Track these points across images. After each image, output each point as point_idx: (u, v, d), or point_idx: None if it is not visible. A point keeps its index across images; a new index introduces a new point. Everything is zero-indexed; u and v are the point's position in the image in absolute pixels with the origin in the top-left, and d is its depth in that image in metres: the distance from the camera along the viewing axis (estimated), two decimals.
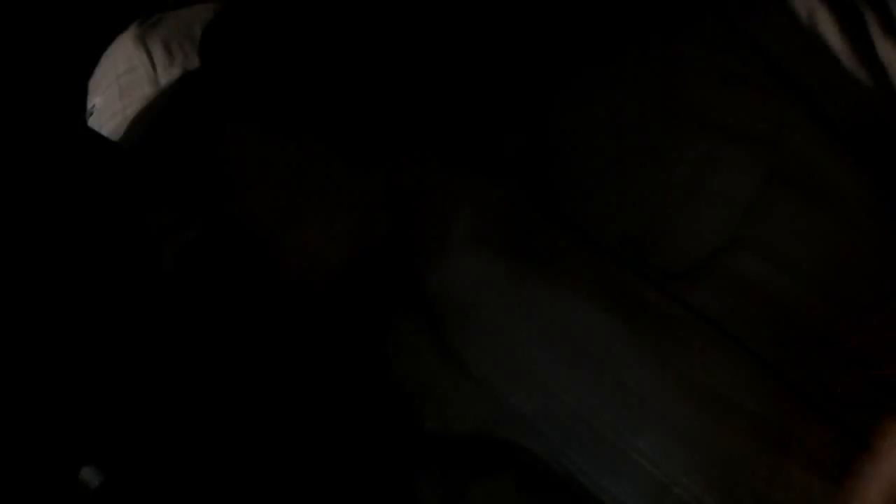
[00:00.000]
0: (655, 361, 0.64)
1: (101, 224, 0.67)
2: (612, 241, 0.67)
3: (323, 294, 0.70)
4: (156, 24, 0.70)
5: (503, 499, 0.69)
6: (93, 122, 0.70)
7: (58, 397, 0.65)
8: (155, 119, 0.67)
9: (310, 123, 0.68)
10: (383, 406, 0.73)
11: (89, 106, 0.71)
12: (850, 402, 0.63)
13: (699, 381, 0.63)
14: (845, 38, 0.67)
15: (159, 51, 0.69)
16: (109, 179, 0.67)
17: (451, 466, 0.71)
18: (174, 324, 0.72)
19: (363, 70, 0.72)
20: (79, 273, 0.69)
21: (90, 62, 0.73)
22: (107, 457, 0.66)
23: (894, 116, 0.68)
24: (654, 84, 0.70)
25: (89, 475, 0.63)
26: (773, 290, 0.64)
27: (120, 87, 0.69)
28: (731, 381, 0.63)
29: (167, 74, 0.68)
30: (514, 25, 0.79)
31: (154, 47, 0.69)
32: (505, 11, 0.79)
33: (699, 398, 0.63)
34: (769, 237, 0.65)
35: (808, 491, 0.61)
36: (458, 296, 0.69)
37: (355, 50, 0.71)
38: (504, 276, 0.68)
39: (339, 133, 0.69)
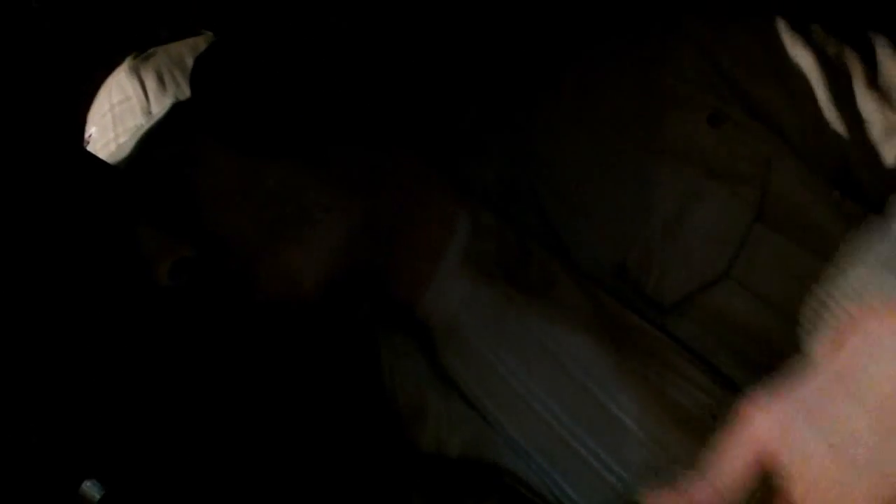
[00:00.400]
0: (638, 391, 0.65)
1: (97, 240, 0.69)
2: (604, 269, 0.69)
3: (299, 314, 0.71)
4: (150, 56, 0.73)
5: None
6: (90, 151, 0.72)
7: (58, 411, 0.67)
8: (143, 144, 0.69)
9: (291, 150, 0.70)
10: (379, 426, 0.74)
11: (86, 135, 0.74)
12: None
13: (680, 411, 0.65)
14: (828, 88, 0.69)
15: (152, 81, 0.72)
16: (104, 197, 0.69)
17: (443, 486, 0.72)
18: (169, 338, 0.74)
19: (346, 95, 0.74)
20: (77, 287, 0.71)
21: (92, 94, 0.76)
22: (107, 470, 0.66)
23: (864, 168, 0.69)
24: (643, 115, 0.71)
25: (90, 489, 0.64)
26: (758, 327, 0.66)
27: (114, 116, 0.72)
28: (711, 409, 0.65)
29: (159, 104, 0.71)
30: (495, 47, 0.81)
31: (147, 77, 0.72)
32: (485, 39, 0.82)
33: (683, 426, 0.64)
34: (757, 276, 0.66)
35: None
36: (449, 317, 0.70)
37: (338, 72, 0.74)
38: (495, 300, 0.69)
39: (321, 159, 0.71)
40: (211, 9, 0.76)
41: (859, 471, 0.42)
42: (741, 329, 0.66)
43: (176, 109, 0.71)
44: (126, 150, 0.70)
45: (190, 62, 0.71)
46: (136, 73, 0.72)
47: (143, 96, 0.71)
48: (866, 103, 0.68)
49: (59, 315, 0.70)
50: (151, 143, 0.70)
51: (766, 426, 0.46)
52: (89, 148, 0.72)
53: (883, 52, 0.69)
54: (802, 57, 0.69)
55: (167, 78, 0.72)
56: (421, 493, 0.73)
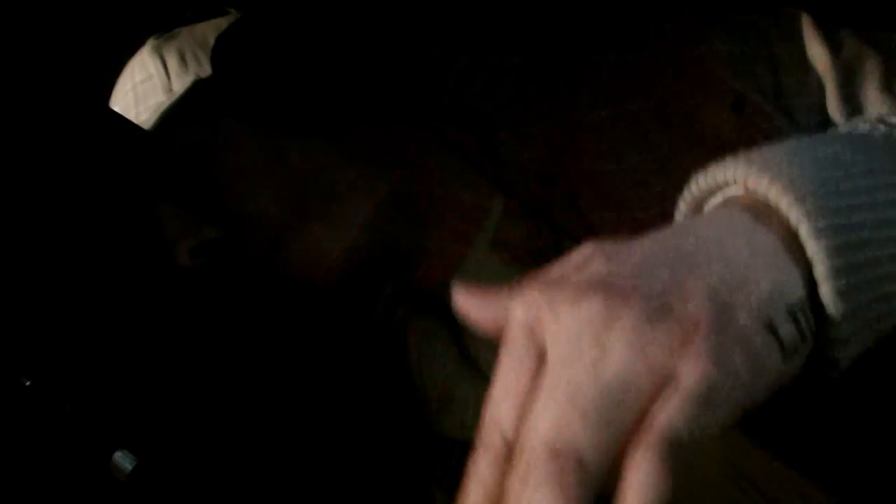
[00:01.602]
0: None
1: (122, 215, 0.70)
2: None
3: (325, 293, 0.72)
4: (173, 36, 0.74)
5: None
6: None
7: (88, 384, 0.68)
8: (164, 121, 0.70)
9: (314, 128, 0.70)
10: (404, 411, 0.74)
11: None
12: None
13: None
14: (838, 86, 0.69)
15: (174, 60, 0.73)
16: (130, 167, 0.70)
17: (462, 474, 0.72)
18: (195, 314, 0.74)
19: (372, 74, 0.74)
20: (104, 261, 0.72)
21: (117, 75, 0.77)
22: (139, 441, 0.67)
23: None
24: (678, 104, 0.71)
25: (122, 460, 0.65)
26: None
27: (136, 94, 0.73)
28: None
29: (180, 82, 0.72)
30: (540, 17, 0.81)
31: (169, 56, 0.73)
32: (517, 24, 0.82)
33: None
34: None
35: None
36: None
37: (364, 53, 0.74)
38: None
39: (346, 136, 0.71)
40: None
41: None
42: None
43: (197, 87, 0.71)
44: (147, 128, 0.71)
45: (213, 41, 0.72)
46: (159, 52, 0.73)
47: (164, 75, 0.72)
48: (874, 107, 0.68)
49: (84, 289, 0.71)
50: (173, 120, 0.71)
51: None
52: None
53: None
54: (820, 52, 0.69)
55: (189, 56, 0.73)
56: (440, 481, 0.73)
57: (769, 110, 0.69)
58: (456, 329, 0.71)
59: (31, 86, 0.62)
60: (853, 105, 0.68)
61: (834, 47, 0.69)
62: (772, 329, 0.40)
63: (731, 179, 0.46)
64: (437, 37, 0.79)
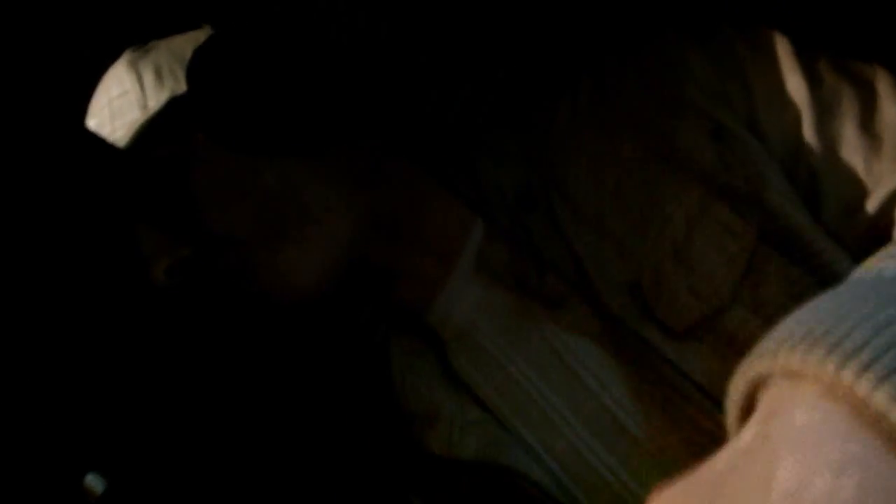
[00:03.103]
0: (645, 405, 0.65)
1: (97, 234, 0.70)
2: (617, 287, 0.68)
3: (300, 313, 0.72)
4: (149, 50, 0.73)
5: None
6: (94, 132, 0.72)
7: (60, 406, 0.68)
8: (139, 140, 0.69)
9: (291, 148, 0.69)
10: (387, 429, 0.74)
11: None
12: None
13: (684, 431, 0.65)
14: (814, 124, 0.67)
15: (150, 75, 0.71)
16: (105, 185, 0.69)
17: (450, 489, 0.73)
18: (168, 335, 0.74)
19: (350, 94, 0.73)
20: (78, 282, 0.72)
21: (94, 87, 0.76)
22: (110, 463, 0.68)
23: (836, 210, 0.68)
24: (655, 124, 0.70)
25: (93, 482, 0.66)
26: None
27: (112, 109, 0.72)
28: (710, 432, 0.64)
29: (156, 98, 0.71)
30: (516, 43, 0.80)
31: (145, 72, 0.72)
32: (505, 35, 0.80)
33: (686, 447, 0.64)
34: (763, 297, 0.65)
35: None
36: (461, 322, 0.70)
37: (342, 73, 0.73)
38: (508, 306, 0.70)
39: (323, 157, 0.71)
40: (212, 2, 0.75)
41: None
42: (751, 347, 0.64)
43: (172, 105, 0.70)
44: (122, 145, 0.70)
45: (189, 55, 0.71)
46: (135, 66, 0.72)
47: (140, 90, 0.71)
48: (851, 146, 0.66)
49: (59, 309, 0.71)
50: (147, 139, 0.70)
51: None
52: None
53: (883, 95, 0.67)
54: (797, 85, 0.68)
55: (165, 72, 0.71)
56: (422, 495, 0.74)
57: (747, 138, 0.68)
58: (439, 347, 0.72)
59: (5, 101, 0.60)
60: (828, 142, 0.67)
61: (813, 80, 0.68)
62: None
63: (802, 369, 0.32)
64: (420, 54, 0.78)
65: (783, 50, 0.69)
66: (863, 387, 0.30)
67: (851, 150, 0.66)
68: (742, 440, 0.33)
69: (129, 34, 0.74)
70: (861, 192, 0.66)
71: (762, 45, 0.70)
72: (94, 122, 0.73)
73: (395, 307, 0.73)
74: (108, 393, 0.70)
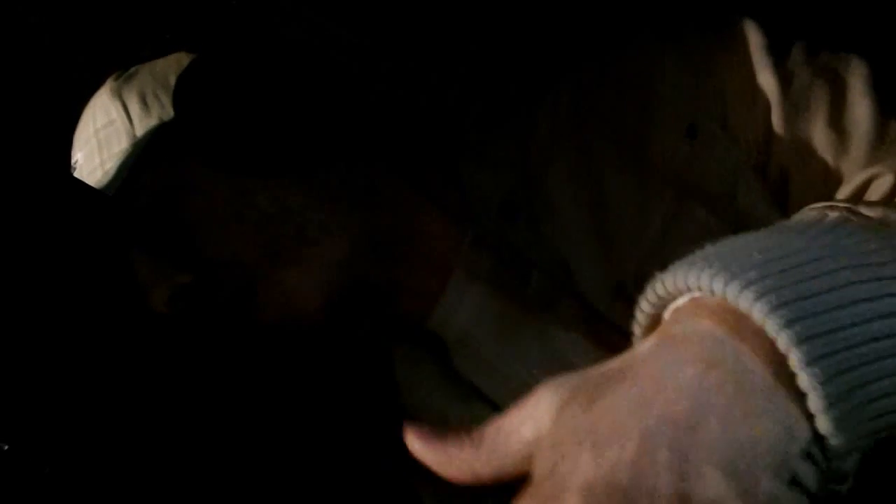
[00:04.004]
0: None
1: (91, 269, 0.68)
2: (603, 288, 0.68)
3: (303, 335, 0.71)
4: (132, 76, 0.71)
5: None
6: (77, 176, 0.70)
7: (66, 445, 0.66)
8: (130, 170, 0.68)
9: (283, 169, 0.69)
10: (394, 436, 0.74)
11: (73, 160, 0.72)
12: None
13: None
14: (784, 119, 0.67)
15: (135, 103, 0.70)
16: (95, 225, 0.67)
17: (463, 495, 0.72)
18: (170, 362, 0.73)
19: (339, 108, 0.72)
20: (75, 314, 0.70)
21: (75, 115, 0.74)
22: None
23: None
24: (628, 128, 0.71)
25: None
26: None
27: (98, 141, 0.71)
28: None
29: (143, 126, 0.70)
30: (498, 49, 0.79)
31: (130, 100, 0.70)
32: (487, 40, 0.79)
33: None
34: None
35: None
36: (459, 329, 0.71)
37: (332, 90, 0.72)
38: (500, 313, 0.70)
39: (315, 177, 0.70)
40: (193, 25, 0.73)
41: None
42: None
43: (161, 132, 0.69)
44: (113, 176, 0.68)
45: (174, 80, 0.69)
46: (119, 94, 0.71)
47: (126, 119, 0.70)
48: (820, 143, 0.66)
49: (56, 340, 0.69)
50: (139, 168, 0.69)
51: (545, 406, 0.40)
52: (77, 173, 0.71)
53: (854, 90, 0.67)
54: (768, 83, 0.68)
55: (150, 99, 0.70)
56: (435, 495, 0.73)
57: (721, 137, 0.69)
58: (440, 352, 0.72)
59: None
60: (797, 140, 0.67)
61: (783, 78, 0.68)
62: (795, 481, 0.37)
63: (696, 287, 0.41)
64: (409, 60, 0.77)
65: (755, 45, 0.69)
66: (742, 303, 0.38)
67: (820, 148, 0.66)
68: (639, 348, 0.41)
69: (109, 61, 0.72)
70: (829, 190, 0.66)
71: (734, 42, 0.70)
72: (81, 154, 0.71)
73: (395, 320, 0.73)
74: (115, 433, 0.69)
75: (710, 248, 0.43)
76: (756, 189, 0.68)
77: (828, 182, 0.66)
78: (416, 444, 0.44)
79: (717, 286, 0.40)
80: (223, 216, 0.68)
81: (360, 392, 0.77)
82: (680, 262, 0.43)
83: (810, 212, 0.48)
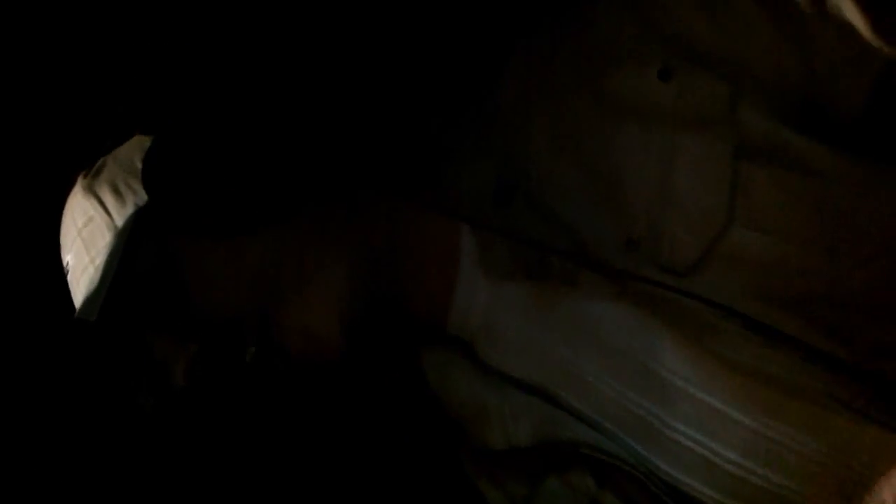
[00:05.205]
0: (682, 347, 0.65)
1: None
2: (615, 247, 0.68)
3: (334, 365, 0.72)
4: (100, 169, 0.73)
5: (581, 489, 0.71)
6: (71, 279, 0.72)
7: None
8: (119, 260, 0.69)
9: (266, 220, 0.69)
10: (438, 438, 0.75)
11: (64, 263, 0.73)
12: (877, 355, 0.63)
13: (725, 359, 0.64)
14: (773, 25, 0.65)
15: (109, 196, 0.71)
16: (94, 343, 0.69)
17: (520, 470, 0.73)
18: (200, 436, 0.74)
19: (304, 148, 0.73)
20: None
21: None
22: None
23: (828, 104, 0.65)
24: (592, 74, 0.69)
25: None
26: (774, 260, 0.64)
27: (83, 240, 0.72)
28: (754, 354, 0.64)
29: (121, 216, 0.71)
30: (447, 46, 0.79)
31: (103, 193, 0.72)
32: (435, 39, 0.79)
33: (726, 375, 0.64)
34: (758, 212, 0.65)
35: (854, 437, 0.60)
36: (479, 323, 0.72)
37: (294, 123, 0.73)
38: (521, 294, 0.70)
39: (299, 219, 0.71)
40: (146, 109, 0.74)
41: None
42: (760, 269, 0.65)
43: (139, 216, 0.70)
44: (104, 271, 0.69)
45: (139, 164, 0.71)
46: (92, 190, 0.72)
47: (105, 213, 0.71)
48: (817, 36, 0.64)
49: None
50: (127, 256, 0.70)
51: None
52: (70, 276, 0.72)
53: None
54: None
55: (122, 187, 0.71)
56: (491, 478, 0.75)
57: (698, 71, 0.66)
58: (467, 349, 0.73)
59: None
60: (792, 40, 0.64)
61: None
62: None
63: None
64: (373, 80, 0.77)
65: None
66: None
67: (819, 38, 0.63)
68: None
69: (77, 159, 0.73)
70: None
71: None
72: (70, 256, 0.73)
73: (416, 327, 0.74)
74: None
75: None
76: (756, 104, 0.65)
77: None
78: None
79: None
80: (220, 278, 0.69)
81: (398, 406, 0.78)
82: None
83: None
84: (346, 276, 0.70)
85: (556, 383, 0.69)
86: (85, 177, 0.73)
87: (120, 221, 0.70)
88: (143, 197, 0.69)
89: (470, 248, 0.72)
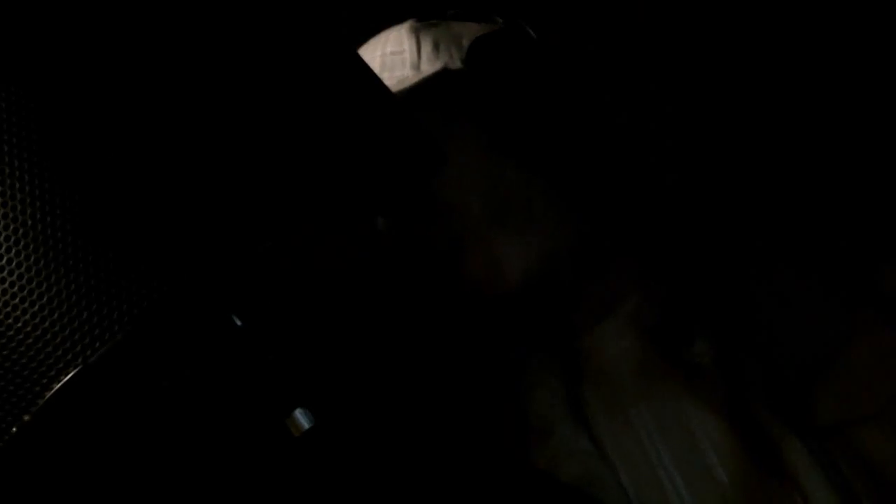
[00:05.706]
0: (763, 494, 0.67)
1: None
2: (759, 370, 0.70)
3: (492, 310, 0.73)
4: (432, 25, 0.76)
5: None
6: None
7: (293, 338, 0.66)
8: (406, 96, 0.71)
9: (529, 153, 0.72)
10: (497, 438, 0.76)
11: None
12: None
13: None
14: None
15: (428, 45, 0.74)
16: None
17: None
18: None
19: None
20: None
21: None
22: (321, 405, 0.65)
23: None
24: None
25: (301, 417, 0.63)
26: None
27: (383, 62, 0.75)
28: None
29: (429, 64, 0.73)
30: None
31: (425, 41, 0.75)
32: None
33: None
34: None
35: None
36: (605, 359, 0.73)
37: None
38: (648, 364, 0.72)
39: (552, 170, 0.73)
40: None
41: None
42: (882, 472, 0.67)
43: (444, 75, 0.73)
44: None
45: (466, 44, 0.74)
46: (416, 33, 0.75)
47: (416, 53, 0.74)
48: None
49: None
50: (414, 98, 0.72)
51: None
52: None
53: None
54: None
55: (442, 47, 0.74)
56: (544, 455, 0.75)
57: None
58: (574, 372, 0.74)
59: None
60: None
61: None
62: None
63: None
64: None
65: None
66: None
67: None
68: None
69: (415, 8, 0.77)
70: None
71: None
72: None
73: (549, 326, 0.76)
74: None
75: None
76: None
77: None
78: None
79: None
80: (470, 178, 0.71)
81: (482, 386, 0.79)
82: None
83: None
84: (559, 236, 0.72)
85: (623, 455, 0.70)
86: (417, 21, 0.76)
87: (425, 67, 0.73)
88: (455, 64, 0.72)
89: (636, 298, 0.74)
